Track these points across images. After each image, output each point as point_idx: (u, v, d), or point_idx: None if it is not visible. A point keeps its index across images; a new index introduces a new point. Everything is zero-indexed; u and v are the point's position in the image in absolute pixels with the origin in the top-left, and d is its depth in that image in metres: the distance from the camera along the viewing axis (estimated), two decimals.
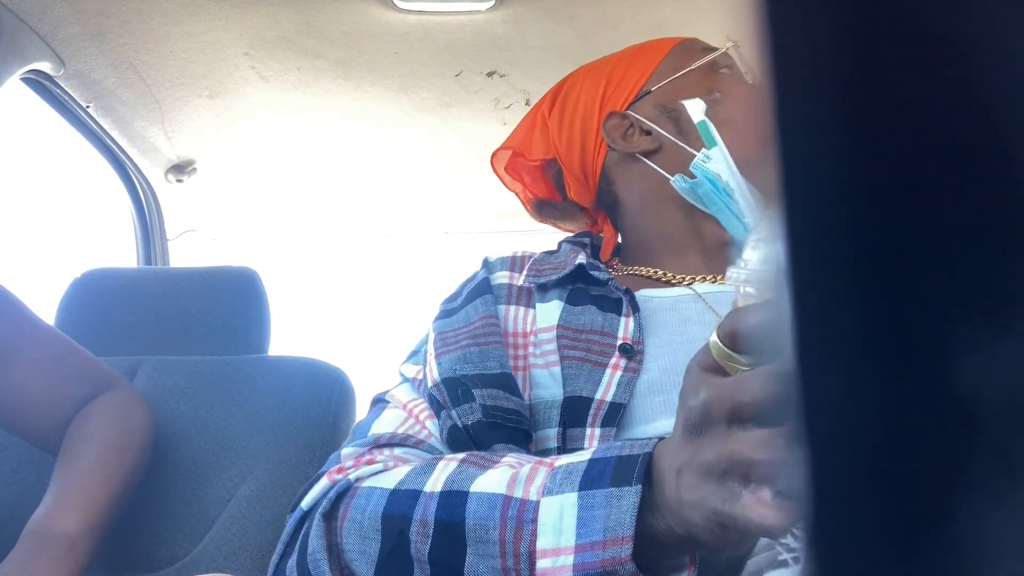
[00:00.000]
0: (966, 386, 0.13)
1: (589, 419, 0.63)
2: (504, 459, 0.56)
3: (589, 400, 0.64)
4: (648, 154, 0.82)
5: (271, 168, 1.73)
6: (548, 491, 0.49)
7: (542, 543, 0.47)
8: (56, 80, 1.27)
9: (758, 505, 0.37)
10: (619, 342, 0.67)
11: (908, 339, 0.13)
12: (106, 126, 1.43)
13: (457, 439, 0.64)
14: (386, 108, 1.51)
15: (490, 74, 1.41)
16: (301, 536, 0.59)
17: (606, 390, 0.64)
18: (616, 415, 0.62)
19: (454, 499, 0.52)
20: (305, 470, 1.03)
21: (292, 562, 0.58)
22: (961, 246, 0.13)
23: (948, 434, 0.13)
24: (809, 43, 0.13)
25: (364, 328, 2.59)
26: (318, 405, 1.09)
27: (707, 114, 0.78)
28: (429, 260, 2.15)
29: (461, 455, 0.58)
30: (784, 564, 0.39)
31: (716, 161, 0.63)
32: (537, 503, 0.48)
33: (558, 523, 0.47)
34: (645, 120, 0.82)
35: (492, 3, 1.19)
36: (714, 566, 0.48)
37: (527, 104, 1.49)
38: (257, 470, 1.04)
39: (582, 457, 0.50)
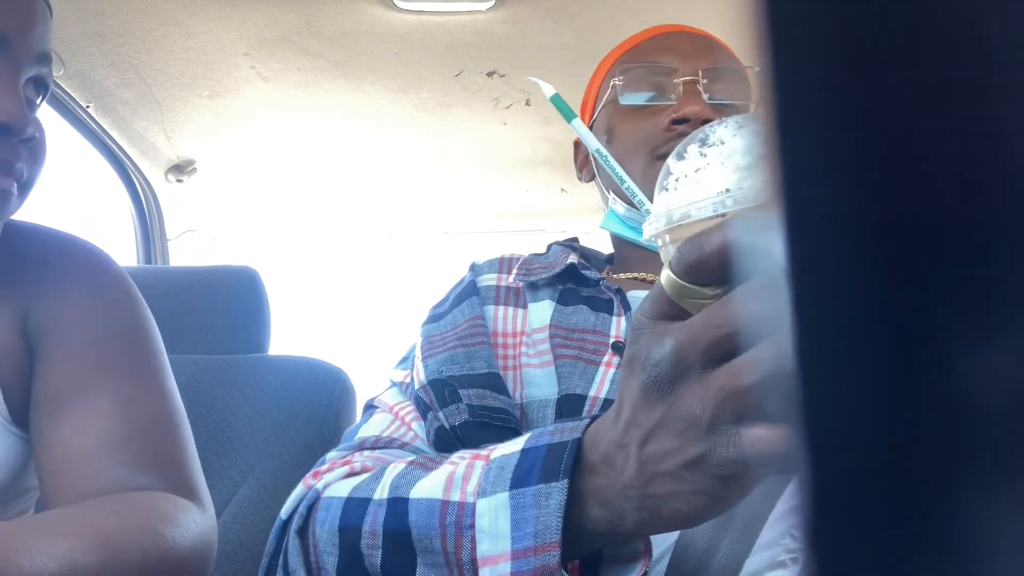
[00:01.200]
0: (968, 385, 0.13)
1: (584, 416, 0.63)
2: (451, 457, 0.54)
3: (584, 397, 0.63)
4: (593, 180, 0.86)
5: (271, 168, 1.73)
6: (482, 492, 0.47)
7: (482, 549, 0.45)
8: (56, 80, 1.27)
9: (764, 435, 0.33)
10: (612, 340, 0.67)
11: (909, 338, 0.13)
12: (106, 126, 1.43)
13: (444, 440, 0.64)
14: (386, 108, 1.51)
15: (490, 74, 1.41)
16: (283, 551, 0.58)
17: (600, 387, 0.64)
18: None
19: (398, 506, 0.51)
20: (306, 470, 1.02)
21: None
22: (962, 245, 0.13)
23: (949, 434, 0.13)
24: (809, 42, 0.13)
25: (364, 328, 2.59)
26: (319, 405, 1.09)
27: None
28: (429, 260, 2.15)
29: (410, 456, 0.57)
30: (783, 564, 0.38)
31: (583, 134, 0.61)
32: (473, 506, 0.47)
33: (494, 527, 0.45)
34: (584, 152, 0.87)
35: (492, 3, 1.19)
36: (691, 553, 0.47)
37: (527, 104, 1.49)
38: (258, 470, 1.04)
39: (515, 447, 0.48)
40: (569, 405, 0.64)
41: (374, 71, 1.38)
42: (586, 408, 0.63)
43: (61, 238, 0.75)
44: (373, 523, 0.51)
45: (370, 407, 0.74)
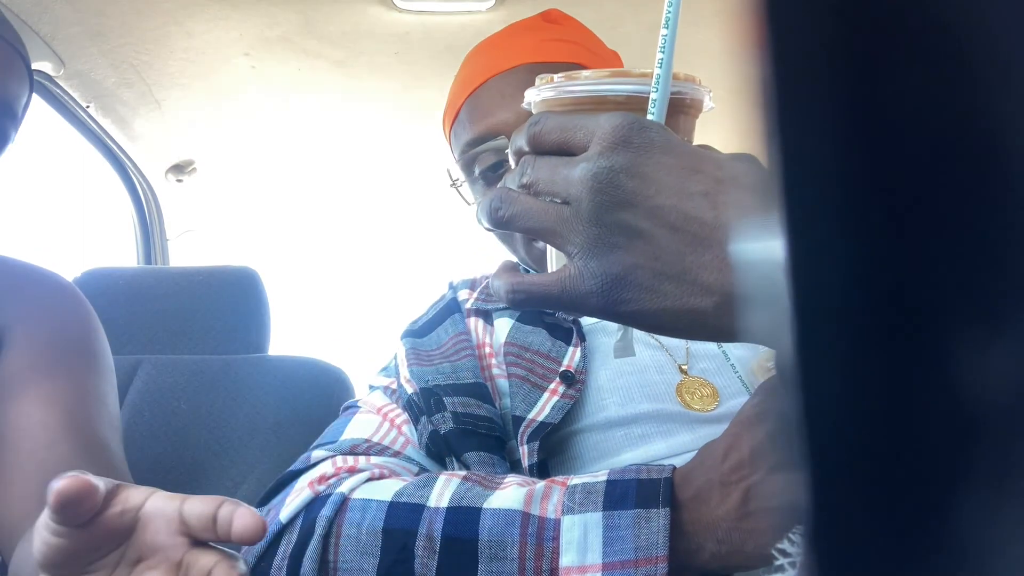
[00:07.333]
0: (967, 387, 0.13)
1: (519, 437, 0.64)
2: (508, 479, 0.56)
3: (521, 419, 0.65)
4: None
5: (271, 168, 1.73)
6: (568, 509, 0.49)
7: (566, 560, 0.48)
8: (56, 80, 1.27)
9: None
10: (562, 369, 0.68)
11: (909, 339, 0.13)
12: (106, 126, 1.43)
13: (437, 444, 0.65)
14: (386, 108, 1.51)
15: None
16: (289, 555, 0.56)
17: (539, 411, 0.65)
18: (541, 432, 0.63)
19: (464, 515, 0.52)
20: None
21: None
22: (962, 244, 0.13)
23: (949, 435, 0.13)
24: (808, 41, 0.13)
25: (364, 328, 2.59)
26: (318, 405, 1.09)
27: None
28: (429, 260, 2.15)
29: (462, 473, 0.58)
30: (781, 570, 0.38)
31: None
32: (557, 521, 0.49)
33: (583, 541, 0.48)
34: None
35: (492, 3, 1.19)
36: None
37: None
38: (258, 470, 1.04)
39: (597, 478, 0.51)
40: (513, 424, 0.66)
41: (374, 71, 1.38)
42: (520, 429, 0.64)
43: (21, 264, 0.83)
44: (430, 528, 0.53)
45: (352, 407, 0.74)
